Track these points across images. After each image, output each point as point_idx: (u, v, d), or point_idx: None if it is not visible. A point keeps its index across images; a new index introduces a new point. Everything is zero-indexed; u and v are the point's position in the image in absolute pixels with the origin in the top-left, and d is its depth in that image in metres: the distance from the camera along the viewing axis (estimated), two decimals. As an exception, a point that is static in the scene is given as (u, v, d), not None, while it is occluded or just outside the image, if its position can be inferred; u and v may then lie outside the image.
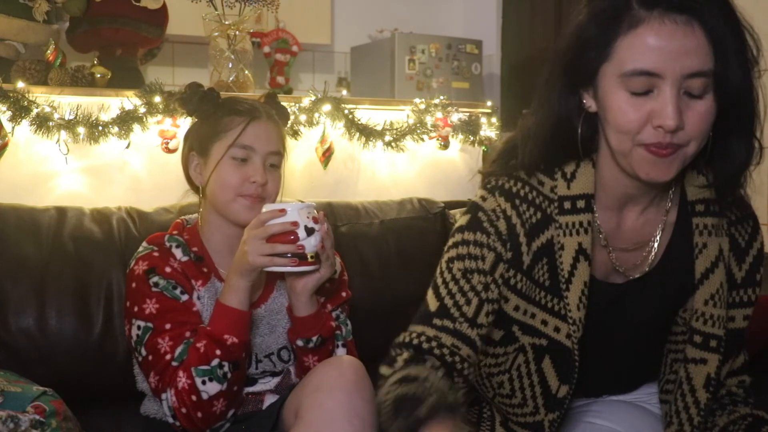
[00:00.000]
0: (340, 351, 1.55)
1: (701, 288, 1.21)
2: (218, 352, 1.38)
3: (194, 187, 1.61)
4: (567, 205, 1.18)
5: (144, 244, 1.54)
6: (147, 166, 2.24)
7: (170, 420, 1.42)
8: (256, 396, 1.54)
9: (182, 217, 1.63)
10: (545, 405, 1.25)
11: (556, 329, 1.21)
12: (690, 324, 1.23)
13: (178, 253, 1.51)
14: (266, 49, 2.71)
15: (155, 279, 1.46)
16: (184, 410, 1.39)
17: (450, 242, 1.23)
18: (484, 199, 1.21)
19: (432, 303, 1.20)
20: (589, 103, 1.14)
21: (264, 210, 1.41)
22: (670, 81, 1.03)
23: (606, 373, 1.33)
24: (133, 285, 1.48)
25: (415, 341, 1.17)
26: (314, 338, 1.49)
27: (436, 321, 1.17)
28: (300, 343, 1.50)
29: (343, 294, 1.64)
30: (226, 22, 2.42)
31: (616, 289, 1.25)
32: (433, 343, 1.16)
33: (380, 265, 2.00)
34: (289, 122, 2.40)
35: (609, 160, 1.17)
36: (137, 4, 2.27)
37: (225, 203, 1.51)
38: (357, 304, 1.71)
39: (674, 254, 1.24)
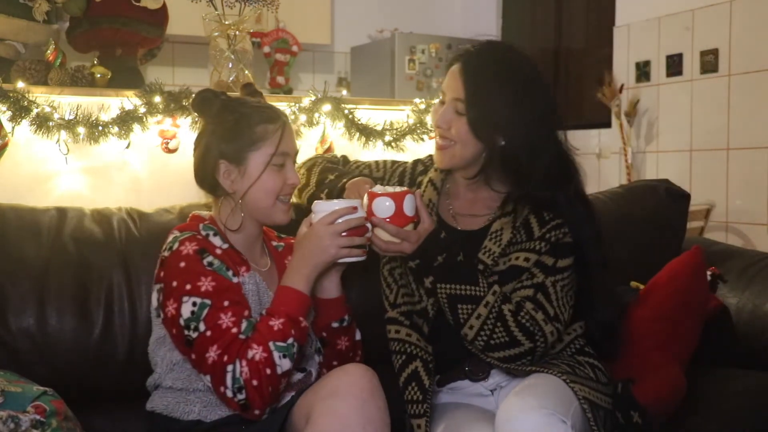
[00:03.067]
0: (357, 332, 1.67)
1: (491, 228, 1.64)
2: (293, 332, 1.43)
3: (215, 190, 1.59)
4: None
5: (175, 231, 1.53)
6: (147, 166, 2.24)
7: (229, 394, 1.39)
8: None
9: (195, 212, 1.62)
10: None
11: None
12: (478, 256, 1.63)
13: (216, 241, 1.53)
14: (266, 49, 2.71)
15: (209, 259, 1.48)
16: (255, 382, 1.38)
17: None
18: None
19: None
20: None
21: (334, 207, 1.52)
22: (448, 99, 1.64)
23: None
24: (182, 264, 1.47)
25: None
26: (346, 317, 1.63)
27: None
28: (335, 324, 1.62)
29: None
30: (226, 22, 2.42)
31: (451, 232, 1.67)
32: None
33: (380, 265, 1.99)
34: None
35: None
36: (137, 4, 2.27)
37: (266, 208, 1.56)
38: (357, 304, 1.71)
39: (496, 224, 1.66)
